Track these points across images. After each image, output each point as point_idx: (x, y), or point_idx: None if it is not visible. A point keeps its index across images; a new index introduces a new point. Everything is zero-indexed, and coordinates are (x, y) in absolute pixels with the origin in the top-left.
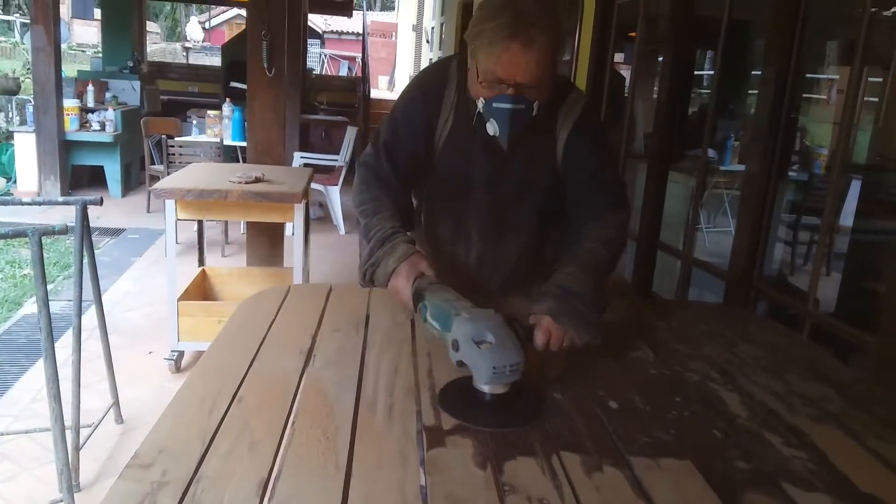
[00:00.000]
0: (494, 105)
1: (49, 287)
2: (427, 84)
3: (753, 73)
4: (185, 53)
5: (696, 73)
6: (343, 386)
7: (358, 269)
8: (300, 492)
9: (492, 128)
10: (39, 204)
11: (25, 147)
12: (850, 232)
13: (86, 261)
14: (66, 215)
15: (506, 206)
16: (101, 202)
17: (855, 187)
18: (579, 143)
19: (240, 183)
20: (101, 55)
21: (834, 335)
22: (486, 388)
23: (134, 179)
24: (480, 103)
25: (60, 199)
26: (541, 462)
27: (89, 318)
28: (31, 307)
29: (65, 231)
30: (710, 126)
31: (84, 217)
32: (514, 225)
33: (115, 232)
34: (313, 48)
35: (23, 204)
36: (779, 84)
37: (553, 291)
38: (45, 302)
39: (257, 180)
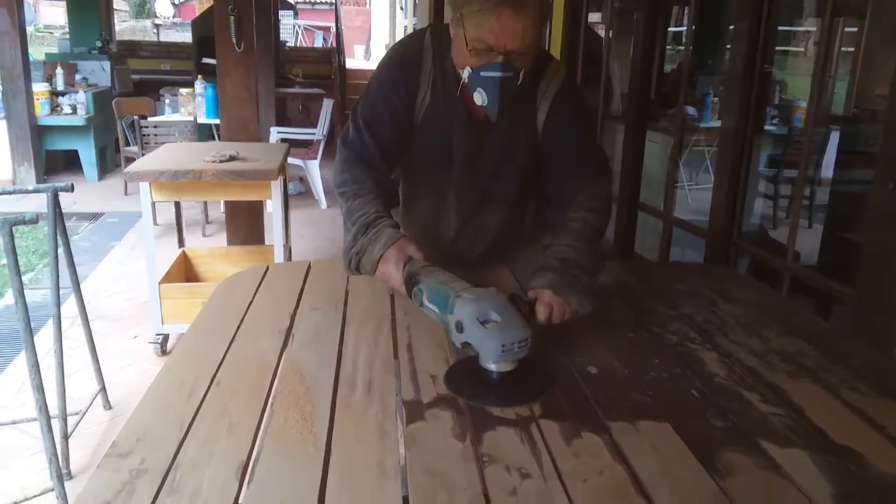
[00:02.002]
0: (483, 74)
1: (29, 276)
2: (402, 57)
3: (731, 27)
4: (155, 30)
5: (674, 29)
6: (322, 364)
7: (342, 256)
8: (279, 473)
9: (480, 97)
10: (9, 193)
11: None
12: (830, 183)
13: (62, 248)
14: (42, 203)
15: (486, 178)
16: (72, 188)
17: (834, 139)
18: (561, 115)
19: (214, 162)
20: (68, 36)
21: (816, 289)
22: (493, 367)
23: (110, 162)
24: (466, 73)
25: (31, 187)
26: (520, 431)
27: (72, 305)
28: (11, 297)
29: (35, 221)
30: (686, 83)
31: (56, 204)
32: (494, 197)
33: (94, 216)
34: (286, 19)
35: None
36: (751, 37)
37: (551, 265)
38: (20, 292)
39: (232, 158)
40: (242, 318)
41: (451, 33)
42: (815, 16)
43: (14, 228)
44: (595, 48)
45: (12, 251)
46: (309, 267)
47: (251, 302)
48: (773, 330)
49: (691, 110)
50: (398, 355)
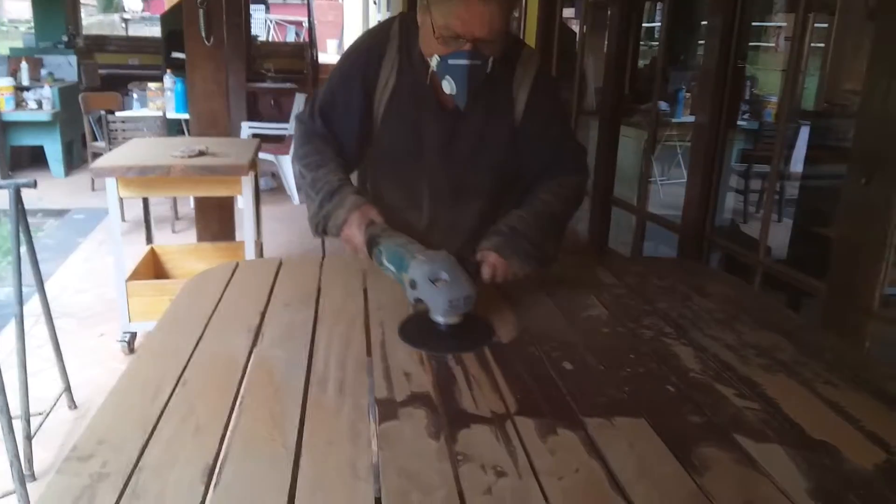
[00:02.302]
0: (450, 62)
1: None
2: (364, 46)
3: (704, 23)
4: (124, 25)
5: (647, 25)
6: (293, 363)
7: (309, 222)
8: (247, 476)
9: (448, 86)
10: None
11: None
12: (800, 178)
13: (25, 246)
14: (5, 199)
15: (461, 168)
16: (34, 185)
17: (804, 134)
18: (540, 106)
19: (183, 157)
20: (33, 31)
21: (786, 283)
22: (441, 320)
23: (76, 158)
24: (434, 61)
25: None
26: (495, 429)
27: (36, 303)
28: None
29: None
30: (660, 78)
31: (18, 200)
32: (469, 189)
33: (60, 213)
34: (258, 14)
35: None
36: (724, 33)
37: (501, 230)
38: None
39: (201, 154)
40: (210, 316)
41: (419, 20)
42: (787, 11)
43: None
44: (569, 43)
45: None
46: (280, 264)
47: (220, 299)
48: (746, 324)
49: (664, 105)
50: (371, 353)
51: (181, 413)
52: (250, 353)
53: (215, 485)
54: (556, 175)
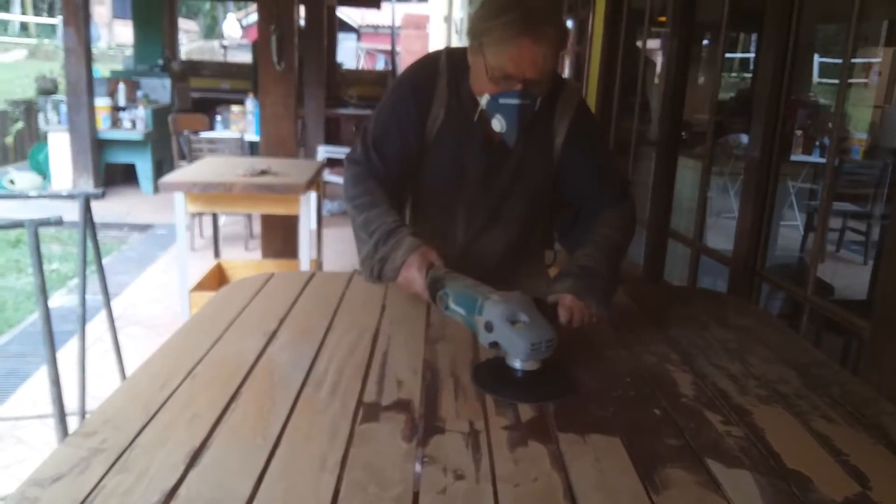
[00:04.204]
0: (501, 101)
1: (74, 281)
2: (416, 80)
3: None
4: (223, 51)
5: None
6: (296, 365)
7: (360, 265)
8: (224, 460)
9: (498, 124)
10: (43, 198)
11: (59, 146)
12: (881, 218)
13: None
14: (103, 213)
15: (498, 198)
16: (102, 195)
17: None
18: (580, 140)
19: (245, 176)
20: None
21: (837, 323)
22: (519, 366)
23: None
24: (485, 99)
25: (64, 192)
26: (468, 437)
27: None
28: (57, 300)
29: (60, 223)
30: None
31: (87, 209)
32: (503, 217)
33: (144, 228)
34: (349, 42)
35: (27, 198)
36: (776, 67)
37: (573, 271)
38: (42, 290)
39: (263, 173)
40: (233, 321)
41: (470, 60)
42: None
43: (59, 236)
44: (648, 74)
45: (36, 250)
46: (312, 276)
47: (246, 306)
48: (759, 356)
49: (745, 138)
50: (372, 361)
51: (182, 402)
52: (260, 354)
53: (195, 466)
54: (604, 205)
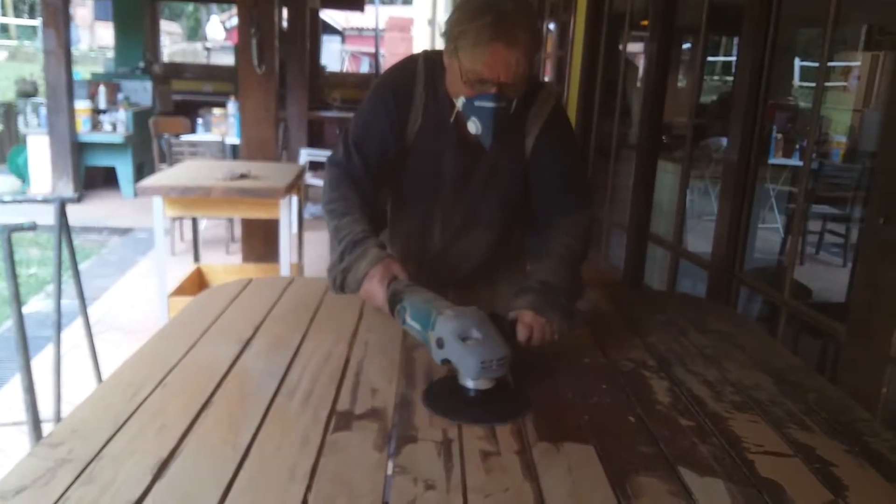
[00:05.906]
0: (476, 104)
1: (52, 286)
2: (395, 82)
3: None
4: (206, 53)
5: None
6: (269, 373)
7: (327, 273)
8: (192, 471)
9: (474, 126)
10: (17, 202)
11: (39, 149)
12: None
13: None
14: (87, 214)
15: (473, 200)
16: (79, 199)
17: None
18: (549, 142)
19: (224, 180)
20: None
21: (814, 326)
22: (471, 385)
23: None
24: (460, 102)
25: (39, 196)
26: (440, 447)
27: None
28: (35, 305)
29: (34, 228)
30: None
31: (62, 214)
32: (480, 220)
33: (125, 231)
34: (333, 45)
35: (2, 202)
36: (753, 70)
37: (533, 286)
38: (15, 297)
39: (243, 176)
40: (209, 327)
41: (446, 63)
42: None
43: (38, 240)
44: (630, 78)
45: (9, 257)
46: (290, 282)
47: (222, 312)
48: (736, 362)
49: (725, 141)
50: (347, 369)
51: (153, 411)
52: (234, 362)
53: (161, 477)
54: (562, 212)
